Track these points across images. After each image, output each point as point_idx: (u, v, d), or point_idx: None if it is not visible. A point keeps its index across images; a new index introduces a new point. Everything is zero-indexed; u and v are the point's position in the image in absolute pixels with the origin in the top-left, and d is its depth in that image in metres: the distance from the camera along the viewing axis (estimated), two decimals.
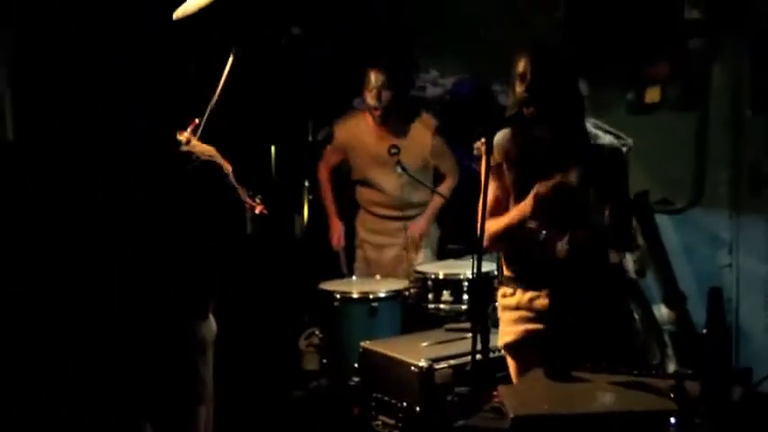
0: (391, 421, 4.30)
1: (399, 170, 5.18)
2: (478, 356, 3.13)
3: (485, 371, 3.21)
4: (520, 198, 3.40)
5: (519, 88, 3.33)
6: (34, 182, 3.80)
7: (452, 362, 4.21)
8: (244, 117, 5.39)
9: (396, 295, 5.07)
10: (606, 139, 3.43)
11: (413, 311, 5.09)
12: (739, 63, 5.61)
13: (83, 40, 3.85)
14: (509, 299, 3.51)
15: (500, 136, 3.44)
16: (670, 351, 5.27)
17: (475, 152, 3.46)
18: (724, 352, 5.61)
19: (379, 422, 4.37)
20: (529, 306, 3.46)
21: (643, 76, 5.86)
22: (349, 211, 5.80)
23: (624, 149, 3.45)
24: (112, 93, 3.79)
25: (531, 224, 3.34)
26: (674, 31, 5.72)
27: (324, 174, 5.74)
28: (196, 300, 3.76)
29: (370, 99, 5.38)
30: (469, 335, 3.26)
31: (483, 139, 3.40)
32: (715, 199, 5.77)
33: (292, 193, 6.00)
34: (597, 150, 3.39)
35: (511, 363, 3.55)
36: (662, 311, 5.43)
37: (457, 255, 5.53)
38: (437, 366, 4.18)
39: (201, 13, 4.31)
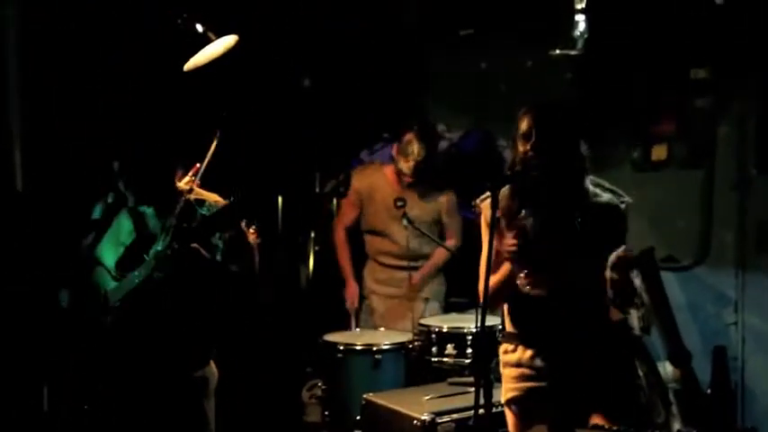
0: None
1: (405, 222, 5.20)
2: (481, 411, 3.12)
3: (487, 425, 3.19)
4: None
5: (522, 147, 3.34)
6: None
7: (455, 416, 4.19)
8: (251, 167, 5.44)
9: (399, 348, 5.05)
10: (605, 196, 3.44)
11: (416, 364, 5.06)
12: (745, 122, 5.65)
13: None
14: (510, 355, 3.50)
15: (500, 192, 3.45)
16: (675, 410, 5.23)
17: (474, 209, 3.48)
18: (729, 411, 5.60)
19: None
20: (530, 363, 3.45)
21: (650, 134, 5.90)
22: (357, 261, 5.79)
23: (622, 206, 3.45)
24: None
25: (521, 280, 3.35)
26: (681, 90, 5.78)
27: (340, 234, 5.72)
28: (199, 348, 3.77)
29: (406, 169, 5.41)
30: (473, 389, 3.25)
31: (482, 197, 3.43)
32: (721, 257, 5.77)
33: (298, 243, 6.01)
34: (596, 208, 3.39)
35: (512, 419, 3.53)
36: (667, 369, 5.40)
37: (461, 308, 5.52)
38: (440, 420, 4.15)
39: (212, 64, 4.37)
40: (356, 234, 5.73)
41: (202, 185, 3.80)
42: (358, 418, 4.56)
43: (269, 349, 5.68)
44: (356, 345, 5.02)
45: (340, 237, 5.72)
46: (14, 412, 3.81)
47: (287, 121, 5.97)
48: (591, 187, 3.44)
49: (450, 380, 4.72)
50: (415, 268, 5.53)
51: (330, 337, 5.15)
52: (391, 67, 6.35)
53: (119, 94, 4.33)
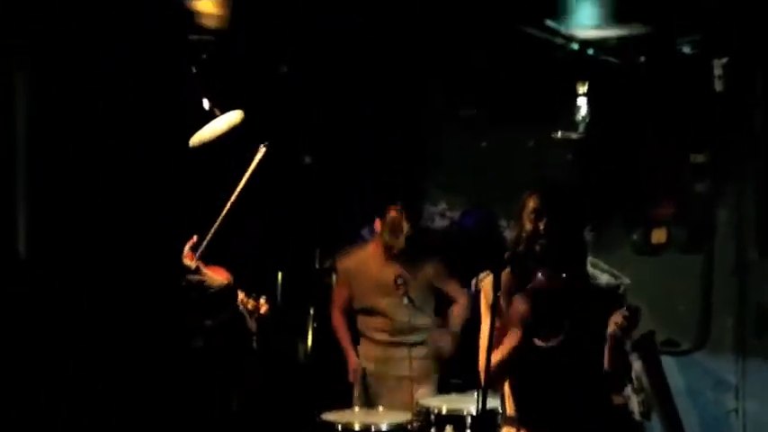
0: None
1: (407, 301, 5.19)
2: None
3: None
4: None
5: (529, 225, 3.34)
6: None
7: None
8: (251, 243, 5.44)
9: (398, 428, 4.99)
10: (603, 278, 3.44)
11: None
12: (744, 206, 5.67)
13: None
14: None
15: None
16: None
17: (472, 288, 3.47)
18: None
19: None
20: None
21: (649, 217, 5.92)
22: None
23: (621, 288, 3.45)
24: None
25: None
26: (680, 174, 5.82)
27: (338, 318, 5.72)
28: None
29: (391, 241, 5.43)
30: None
31: (482, 275, 3.42)
32: (721, 341, 5.74)
33: (297, 320, 5.97)
34: (594, 290, 3.39)
35: None
36: None
37: (460, 389, 5.47)
38: None
39: (217, 140, 4.41)
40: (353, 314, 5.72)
41: (205, 261, 3.80)
42: None
43: (266, 426, 5.61)
44: (354, 425, 4.96)
45: (338, 319, 5.71)
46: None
47: (288, 197, 5.99)
48: (590, 268, 3.44)
49: None
50: (411, 343, 5.47)
51: (328, 417, 5.09)
52: (393, 146, 6.40)
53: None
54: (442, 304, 5.62)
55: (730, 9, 4.24)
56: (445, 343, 5.49)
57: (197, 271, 3.70)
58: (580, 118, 5.34)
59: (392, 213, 5.42)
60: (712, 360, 5.77)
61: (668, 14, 4.38)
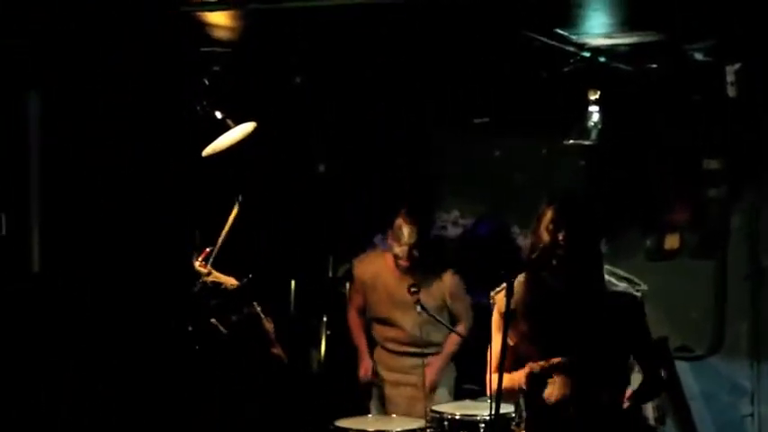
0: None
1: (419, 309, 5.19)
2: None
3: None
4: (529, 346, 3.39)
5: (547, 236, 3.31)
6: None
7: None
8: (265, 251, 5.47)
9: None
10: (621, 286, 3.44)
11: None
12: (757, 213, 5.67)
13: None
14: None
15: (515, 282, 3.42)
16: None
17: (490, 300, 3.48)
18: None
19: None
20: None
21: (663, 224, 5.93)
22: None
23: (639, 295, 3.45)
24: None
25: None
26: (694, 180, 5.83)
27: (354, 319, 5.73)
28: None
29: (401, 253, 5.40)
30: None
31: (497, 289, 3.42)
32: (735, 346, 5.74)
33: (310, 327, 6.00)
34: (613, 300, 3.39)
35: None
36: None
37: (474, 395, 5.47)
38: None
39: (231, 149, 4.45)
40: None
41: (217, 266, 3.88)
42: None
43: None
44: (368, 431, 4.98)
45: (353, 319, 5.72)
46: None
47: (301, 205, 6.02)
48: (607, 277, 3.45)
49: None
50: (425, 354, 5.48)
51: (342, 423, 5.10)
52: (406, 153, 6.42)
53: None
54: (451, 325, 5.59)
55: (742, 15, 4.24)
56: (432, 374, 5.48)
57: (209, 275, 3.79)
58: (592, 125, 5.34)
59: (396, 222, 5.40)
60: (727, 365, 5.77)
61: (679, 21, 4.38)
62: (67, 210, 4.23)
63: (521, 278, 3.43)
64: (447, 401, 5.51)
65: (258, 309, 4.02)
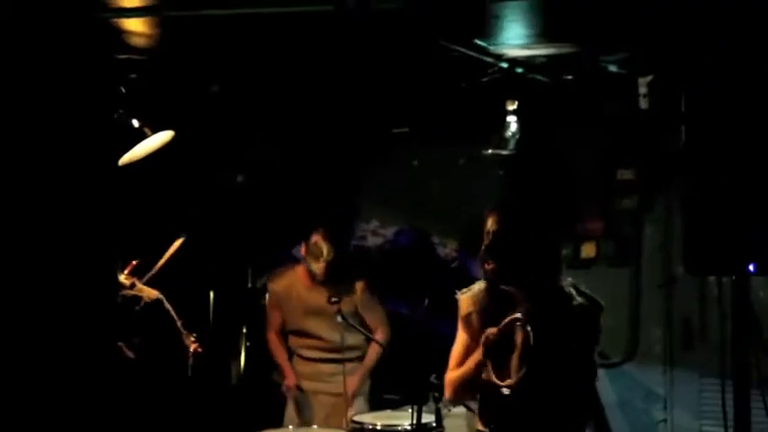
0: None
1: (340, 319, 5.18)
2: None
3: None
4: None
5: (487, 241, 3.39)
6: None
7: None
8: (184, 262, 5.40)
9: None
10: (579, 299, 3.48)
11: None
12: (670, 222, 5.79)
13: None
14: None
15: (477, 287, 3.50)
16: None
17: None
18: None
19: None
20: None
21: (579, 232, 6.02)
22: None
23: (595, 310, 3.50)
24: None
25: (489, 374, 3.35)
26: (608, 190, 5.94)
27: (273, 339, 5.69)
28: None
29: (317, 270, 5.40)
30: None
31: (464, 290, 3.50)
32: (649, 353, 5.84)
33: (229, 338, 5.93)
34: (569, 310, 3.43)
35: None
36: None
37: (394, 405, 5.47)
38: None
39: (149, 158, 4.39)
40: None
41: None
42: None
43: None
44: None
45: (273, 341, 5.69)
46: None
47: (220, 216, 5.96)
48: (568, 288, 3.47)
49: None
50: (343, 361, 5.45)
51: None
52: (324, 164, 6.41)
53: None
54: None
55: (654, 28, 4.34)
56: (354, 385, 5.47)
57: (132, 287, 3.73)
58: (510, 135, 5.41)
59: (313, 239, 5.40)
60: (641, 372, 5.87)
61: (594, 34, 4.47)
62: None
63: (482, 284, 3.48)
64: (363, 410, 5.50)
65: (179, 324, 3.98)
